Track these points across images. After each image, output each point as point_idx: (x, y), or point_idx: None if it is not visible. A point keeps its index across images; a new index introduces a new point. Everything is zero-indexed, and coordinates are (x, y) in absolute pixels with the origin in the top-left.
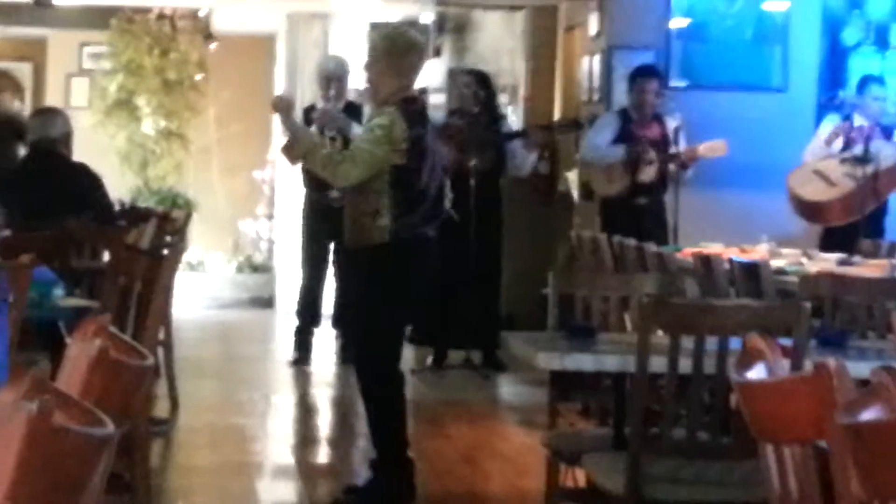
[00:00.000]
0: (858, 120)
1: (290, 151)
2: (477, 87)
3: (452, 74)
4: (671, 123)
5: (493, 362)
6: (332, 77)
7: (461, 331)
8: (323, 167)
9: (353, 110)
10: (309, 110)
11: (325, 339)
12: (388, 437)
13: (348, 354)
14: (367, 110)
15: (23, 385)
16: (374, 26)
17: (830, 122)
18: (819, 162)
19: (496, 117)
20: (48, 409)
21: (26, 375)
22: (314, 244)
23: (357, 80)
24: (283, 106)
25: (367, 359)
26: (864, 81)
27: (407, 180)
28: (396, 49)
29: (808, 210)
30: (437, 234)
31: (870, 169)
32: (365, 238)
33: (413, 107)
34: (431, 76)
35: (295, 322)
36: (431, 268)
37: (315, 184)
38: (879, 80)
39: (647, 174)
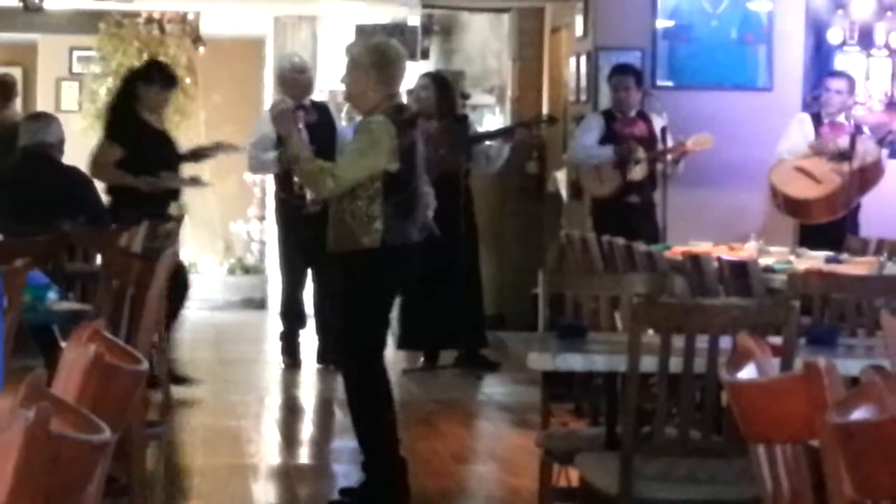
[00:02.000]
0: (828, 116)
1: (280, 161)
2: (434, 90)
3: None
4: (658, 122)
5: (479, 361)
6: (294, 78)
7: (449, 331)
8: (306, 177)
9: (320, 110)
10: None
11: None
12: (375, 438)
13: (327, 356)
14: (338, 113)
15: (19, 392)
16: (360, 31)
17: (800, 122)
18: (800, 159)
19: (459, 118)
20: (45, 417)
21: (23, 382)
22: (292, 248)
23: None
24: (276, 112)
25: (350, 362)
26: (828, 76)
27: (399, 187)
28: (386, 60)
29: (794, 207)
30: (423, 240)
31: (854, 165)
32: (354, 243)
33: (403, 114)
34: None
35: (280, 326)
36: (413, 273)
37: (291, 189)
38: (841, 75)
39: (638, 173)
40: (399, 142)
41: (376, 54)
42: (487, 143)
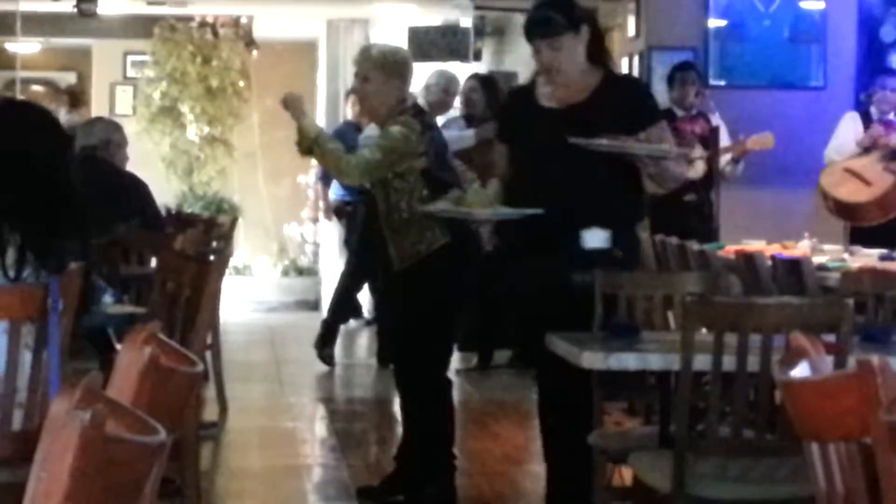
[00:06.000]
0: (877, 113)
1: (300, 145)
2: (482, 92)
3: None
4: (714, 121)
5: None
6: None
7: (503, 330)
8: (328, 162)
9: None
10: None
11: (370, 340)
12: (433, 441)
13: (386, 356)
14: None
15: (75, 394)
16: (413, 34)
17: (851, 121)
18: (849, 161)
19: None
20: (101, 419)
21: (78, 384)
22: (355, 251)
23: None
24: (289, 102)
25: (413, 367)
26: (882, 74)
27: (438, 185)
28: (408, 68)
29: (845, 211)
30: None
31: None
32: (415, 253)
33: (421, 115)
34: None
35: (324, 315)
36: (475, 270)
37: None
38: (893, 73)
39: (696, 171)
40: (424, 139)
41: (397, 63)
42: None
